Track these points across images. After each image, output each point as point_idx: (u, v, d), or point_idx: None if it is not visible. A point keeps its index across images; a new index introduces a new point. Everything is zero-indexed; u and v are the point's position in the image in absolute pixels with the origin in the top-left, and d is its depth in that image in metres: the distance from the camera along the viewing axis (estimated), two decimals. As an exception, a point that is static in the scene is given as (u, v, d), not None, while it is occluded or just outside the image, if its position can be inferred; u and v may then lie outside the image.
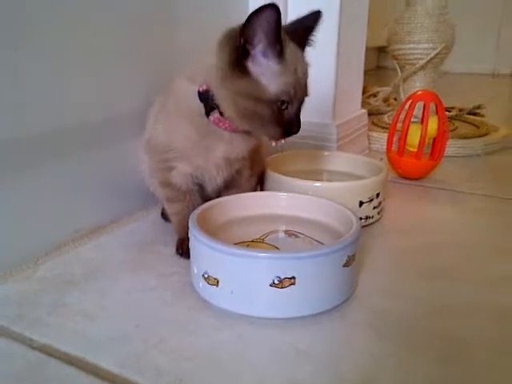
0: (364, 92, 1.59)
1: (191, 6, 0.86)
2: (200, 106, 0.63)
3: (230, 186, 0.73)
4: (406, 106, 1.01)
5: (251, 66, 0.58)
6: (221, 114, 0.62)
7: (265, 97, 0.58)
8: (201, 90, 0.62)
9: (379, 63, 3.15)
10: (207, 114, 0.63)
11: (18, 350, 0.49)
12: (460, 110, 1.55)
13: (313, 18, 0.64)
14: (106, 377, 0.46)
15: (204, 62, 0.62)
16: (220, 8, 0.94)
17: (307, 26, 0.64)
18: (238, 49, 0.57)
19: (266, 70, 0.58)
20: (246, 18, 0.54)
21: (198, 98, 0.62)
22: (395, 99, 1.57)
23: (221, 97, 0.60)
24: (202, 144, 0.65)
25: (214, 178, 0.69)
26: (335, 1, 0.96)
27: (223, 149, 0.65)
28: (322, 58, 0.99)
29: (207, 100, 0.62)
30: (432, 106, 0.99)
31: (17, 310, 0.56)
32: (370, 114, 1.34)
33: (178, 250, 0.68)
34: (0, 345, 0.50)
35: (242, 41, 0.56)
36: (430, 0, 1.28)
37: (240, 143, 0.66)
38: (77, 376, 0.46)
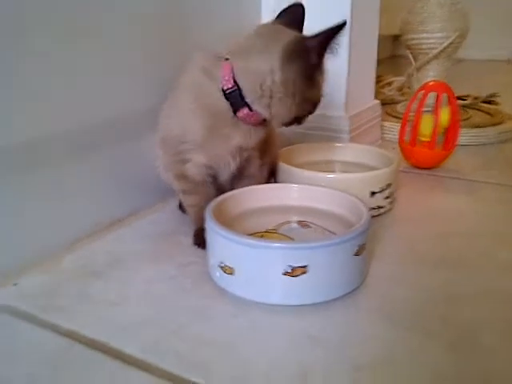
0: (378, 81, 1.59)
1: (202, 5, 0.88)
2: (225, 104, 0.65)
3: (242, 177, 0.75)
4: (419, 96, 1.02)
5: (319, 76, 0.66)
6: (249, 109, 0.65)
7: (318, 100, 0.68)
8: (225, 88, 0.65)
9: (394, 52, 3.12)
10: (235, 111, 0.66)
11: (46, 336, 0.52)
12: (475, 98, 1.55)
13: (299, 12, 0.69)
14: (128, 361, 0.48)
15: (231, 60, 0.65)
16: (232, 7, 0.95)
17: (295, 16, 0.69)
18: (312, 65, 0.63)
19: (325, 77, 0.67)
20: (311, 30, 0.61)
21: (222, 96, 0.65)
22: (409, 88, 1.57)
23: (278, 102, 0.64)
24: (219, 134, 0.67)
25: (228, 167, 0.71)
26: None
27: (239, 139, 0.68)
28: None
29: (235, 98, 0.65)
30: (444, 96, 1.00)
31: (44, 299, 0.59)
32: (384, 103, 1.34)
33: (195, 240, 0.71)
34: (29, 331, 0.53)
35: (317, 58, 0.63)
36: (442, -11, 1.28)
37: (254, 133, 0.69)
38: (102, 360, 0.49)
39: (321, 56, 0.63)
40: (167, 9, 0.81)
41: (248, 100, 0.65)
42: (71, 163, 0.70)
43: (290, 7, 0.69)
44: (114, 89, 0.75)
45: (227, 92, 0.65)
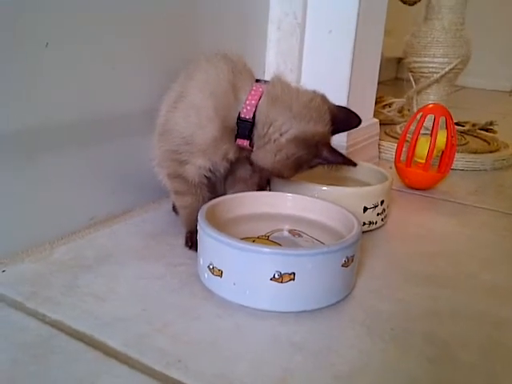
0: (379, 102, 1.61)
1: (209, 7, 0.89)
2: (235, 126, 0.67)
3: (234, 181, 0.76)
4: (417, 118, 1.04)
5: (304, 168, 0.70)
6: (250, 142, 0.68)
7: (286, 177, 0.73)
8: (243, 116, 0.66)
9: (398, 74, 3.15)
10: (236, 137, 0.68)
11: (31, 324, 0.53)
12: (473, 125, 1.57)
13: (353, 122, 0.74)
14: (111, 354, 0.49)
15: (267, 90, 0.67)
16: (239, 9, 0.97)
17: (344, 124, 0.73)
18: (308, 159, 0.68)
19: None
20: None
21: (236, 118, 0.67)
22: (409, 110, 1.59)
23: (266, 150, 0.68)
24: (219, 147, 0.68)
25: (224, 171, 0.72)
26: (352, 12, 0.98)
27: (232, 155, 0.70)
28: (336, 67, 1.03)
29: (245, 129, 0.67)
30: (442, 120, 1.02)
31: (32, 287, 0.59)
32: (383, 123, 1.36)
33: (187, 242, 0.71)
34: (14, 318, 0.53)
35: (316, 160, 0.68)
36: (447, 15, 1.30)
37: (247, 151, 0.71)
38: (84, 351, 0.49)
39: (320, 161, 0.68)
40: (173, 7, 0.82)
41: (254, 135, 0.67)
42: (69, 155, 0.71)
43: (353, 113, 0.73)
44: (117, 86, 0.76)
45: (242, 119, 0.66)
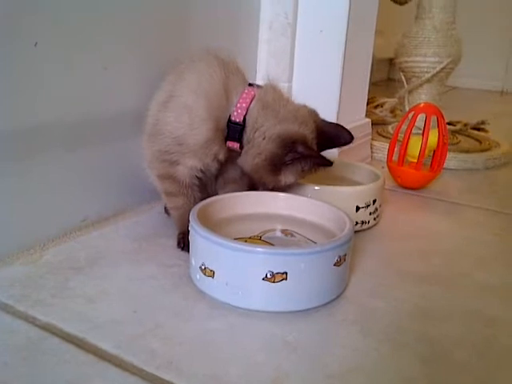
0: (371, 102, 1.62)
1: (201, 7, 0.89)
2: (226, 128, 0.68)
3: (225, 181, 0.76)
4: (409, 118, 1.04)
5: (285, 174, 0.70)
6: (240, 145, 0.68)
7: (268, 186, 0.73)
8: (233, 119, 0.67)
9: (390, 75, 3.17)
10: (226, 139, 0.68)
11: (22, 327, 0.52)
12: (465, 125, 1.58)
13: (345, 139, 0.73)
14: (102, 356, 0.48)
15: (258, 94, 0.68)
16: (230, 9, 0.97)
17: (334, 140, 0.73)
18: (284, 160, 0.68)
19: (286, 181, 0.71)
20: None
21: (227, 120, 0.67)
22: (401, 110, 1.60)
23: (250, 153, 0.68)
24: (210, 148, 0.68)
25: (215, 171, 0.73)
26: (343, 12, 0.98)
27: (222, 156, 0.70)
28: (327, 67, 1.03)
29: (235, 132, 0.67)
30: (434, 119, 1.02)
31: (22, 290, 0.59)
32: (375, 123, 1.36)
33: (179, 243, 0.71)
34: (5, 321, 0.53)
35: (293, 159, 0.68)
36: (438, 15, 1.31)
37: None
38: (76, 353, 0.49)
39: (293, 155, 0.67)
40: (165, 7, 0.82)
41: (244, 138, 0.67)
42: (60, 157, 0.70)
43: (345, 130, 0.73)
44: (108, 87, 0.75)
45: (232, 122, 0.67)
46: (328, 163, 0.69)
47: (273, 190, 0.73)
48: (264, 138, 0.67)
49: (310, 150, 0.68)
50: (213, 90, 0.67)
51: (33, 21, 0.62)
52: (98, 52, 0.72)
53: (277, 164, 0.68)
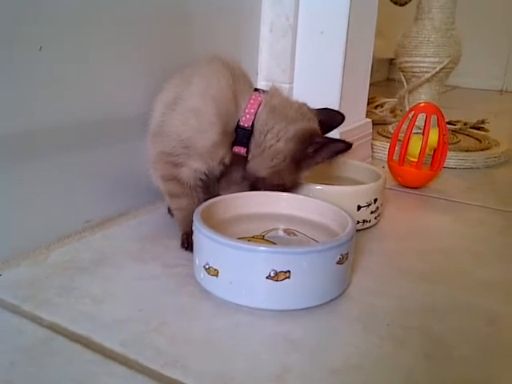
0: (371, 102, 1.62)
1: (202, 9, 0.89)
2: (234, 134, 0.69)
3: (229, 184, 0.76)
4: (409, 117, 1.05)
5: (304, 170, 0.73)
6: (247, 149, 0.69)
7: (287, 186, 0.75)
8: (242, 124, 0.68)
9: (390, 75, 3.17)
10: (233, 144, 0.69)
11: (28, 327, 0.53)
12: (465, 124, 1.58)
13: (338, 120, 0.78)
14: (109, 355, 0.49)
15: (265, 99, 0.70)
16: (231, 10, 0.97)
17: (330, 124, 0.77)
18: (306, 156, 0.71)
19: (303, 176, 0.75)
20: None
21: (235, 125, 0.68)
22: (401, 110, 1.60)
23: (262, 156, 0.70)
24: (216, 152, 0.69)
25: (219, 173, 0.73)
26: (343, 13, 0.99)
27: (227, 160, 0.71)
28: (328, 68, 1.03)
29: (243, 137, 0.69)
30: (434, 118, 1.03)
31: (28, 291, 0.59)
32: (376, 123, 1.37)
33: (183, 244, 0.71)
34: (11, 321, 0.54)
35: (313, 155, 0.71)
36: (437, 15, 1.32)
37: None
38: (82, 352, 0.49)
39: (314, 147, 0.70)
40: (166, 9, 0.83)
41: (251, 142, 0.69)
42: (64, 159, 0.70)
43: (334, 111, 0.78)
44: (113, 89, 0.76)
45: (241, 127, 0.68)
46: (347, 144, 0.70)
47: (274, 190, 0.74)
48: (278, 140, 0.69)
49: (328, 138, 0.72)
50: (221, 95, 0.68)
51: (37, 24, 0.63)
52: (99, 55, 0.73)
53: (299, 160, 0.70)
